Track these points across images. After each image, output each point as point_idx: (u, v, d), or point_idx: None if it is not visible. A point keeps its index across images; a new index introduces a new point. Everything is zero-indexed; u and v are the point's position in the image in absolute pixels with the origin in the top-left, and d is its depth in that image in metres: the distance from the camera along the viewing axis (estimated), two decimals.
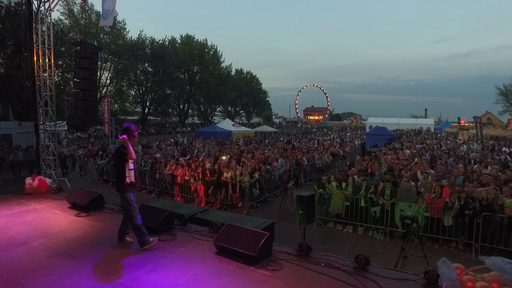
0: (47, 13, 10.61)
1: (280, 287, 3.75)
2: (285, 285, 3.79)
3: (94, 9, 36.21)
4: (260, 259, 4.30)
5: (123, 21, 40.19)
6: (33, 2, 10.34)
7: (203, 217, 6.33)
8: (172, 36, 49.32)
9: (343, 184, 8.65)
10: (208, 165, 11.33)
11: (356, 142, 24.80)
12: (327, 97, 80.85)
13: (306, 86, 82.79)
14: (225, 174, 10.59)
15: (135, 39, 42.52)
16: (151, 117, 49.81)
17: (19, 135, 22.59)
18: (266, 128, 38.43)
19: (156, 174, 12.11)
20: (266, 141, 25.19)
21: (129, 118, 45.68)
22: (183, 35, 50.36)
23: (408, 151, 15.91)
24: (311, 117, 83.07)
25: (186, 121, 53.09)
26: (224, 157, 12.14)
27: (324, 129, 48.17)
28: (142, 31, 49.34)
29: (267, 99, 67.79)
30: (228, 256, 4.49)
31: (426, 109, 76.62)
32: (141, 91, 45.15)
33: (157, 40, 45.41)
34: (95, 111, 11.64)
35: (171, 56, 45.19)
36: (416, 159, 12.72)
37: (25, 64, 29.25)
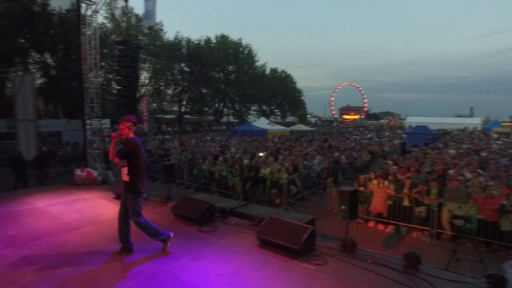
0: (94, 15, 11.13)
1: (326, 281, 3.64)
2: (330, 280, 3.67)
3: (133, 12, 37.69)
4: (303, 253, 4.20)
5: (161, 23, 41.49)
6: (81, 5, 10.90)
7: (242, 211, 6.32)
8: (207, 36, 50.31)
9: (385, 182, 8.32)
10: (245, 161, 11.38)
11: (394, 142, 23.86)
12: (363, 96, 78.71)
13: (342, 85, 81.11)
14: (262, 170, 10.57)
15: (172, 40, 43.76)
16: (188, 116, 51.03)
17: (68, 132, 24.01)
18: (302, 127, 38.06)
19: (194, 169, 12.36)
20: (303, 139, 24.91)
21: (166, 116, 47.15)
22: (218, 35, 51.18)
23: (453, 151, 15.03)
24: (347, 116, 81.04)
25: (221, 120, 53.88)
26: (261, 154, 12.14)
27: (361, 129, 46.86)
28: (178, 32, 50.52)
29: (302, 98, 67.23)
30: (270, 249, 4.44)
31: (472, 108, 72.06)
32: (178, 90, 46.41)
33: (193, 40, 46.48)
34: (136, 107, 12.08)
35: (207, 56, 46.06)
36: (463, 159, 11.99)
37: (73, 66, 30.91)
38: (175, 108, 48.46)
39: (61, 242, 4.77)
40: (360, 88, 79.66)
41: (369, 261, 4.11)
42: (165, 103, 45.96)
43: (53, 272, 3.82)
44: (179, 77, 45.89)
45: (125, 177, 4.28)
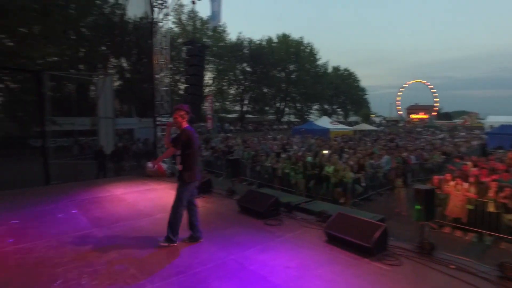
0: (165, 18, 11.83)
1: (401, 283, 3.37)
2: (406, 282, 3.39)
3: (198, 16, 39.51)
4: (375, 251, 3.95)
5: (224, 24, 42.81)
6: (154, 10, 11.66)
7: (307, 207, 6.20)
8: (268, 36, 50.69)
9: (464, 184, 7.52)
10: (309, 158, 11.19)
11: (472, 143, 21.61)
12: (434, 94, 72.87)
13: (410, 82, 76.02)
14: (326, 168, 10.30)
15: (234, 41, 44.93)
16: (249, 115, 51.98)
17: (140, 129, 26.03)
18: (366, 126, 36.48)
19: (256, 166, 12.50)
20: (367, 139, 23.83)
21: (229, 115, 48.56)
22: (279, 35, 51.28)
23: None
24: (415, 116, 75.65)
25: (282, 119, 53.95)
26: (325, 151, 11.85)
27: (431, 129, 43.38)
28: (241, 33, 51.77)
29: (365, 96, 64.40)
30: (338, 245, 4.27)
31: None
32: (240, 90, 47.53)
33: (254, 40, 47.20)
34: (201, 104, 12.63)
35: (268, 56, 46.47)
36: None
37: (145, 69, 33.24)
38: (237, 108, 49.70)
39: (137, 226, 5.12)
40: (431, 86, 73.94)
41: (452, 266, 3.72)
42: (227, 103, 47.39)
43: (131, 252, 4.09)
44: (241, 77, 47.01)
45: (179, 166, 4.38)
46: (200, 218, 5.40)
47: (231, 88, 47.38)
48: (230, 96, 47.61)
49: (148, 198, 6.84)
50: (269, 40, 49.75)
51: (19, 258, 3.92)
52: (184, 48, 37.15)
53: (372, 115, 68.40)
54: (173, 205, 4.31)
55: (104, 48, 32.40)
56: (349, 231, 4.22)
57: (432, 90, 73.36)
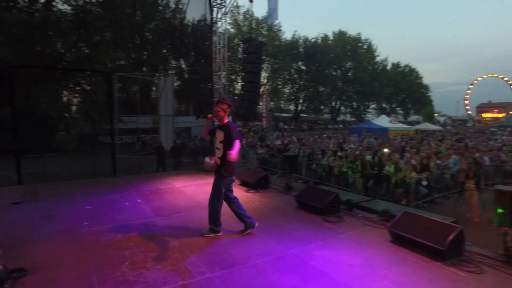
0: (223, 17, 12.09)
1: None
2: None
3: (253, 16, 39.94)
4: (449, 255, 3.58)
5: (279, 23, 42.73)
6: (213, 9, 11.97)
7: (368, 206, 5.89)
8: (324, 34, 49.55)
9: None
10: (368, 157, 10.69)
11: None
12: None
13: (481, 77, 69.18)
14: (387, 167, 9.75)
15: (289, 39, 44.66)
16: (304, 115, 51.38)
17: (197, 127, 27.07)
18: (429, 126, 34.01)
19: (312, 164, 12.24)
20: (430, 139, 22.17)
21: (283, 115, 48.47)
22: (335, 32, 49.89)
23: None
24: (487, 115, 68.59)
25: (337, 119, 52.50)
26: (386, 150, 11.23)
27: (508, 128, 39.03)
28: (296, 32, 51.41)
29: (429, 94, 59.85)
30: (405, 246, 3.95)
31: None
32: (294, 89, 47.16)
33: (310, 38, 46.48)
34: (258, 102, 12.71)
35: (324, 54, 45.46)
36: None
37: (202, 70, 34.44)
38: (292, 107, 49.42)
39: (196, 217, 5.25)
40: (509, 80, 66.26)
41: None
42: (282, 102, 47.30)
43: (191, 241, 4.19)
44: (295, 76, 46.60)
45: (217, 160, 4.43)
46: (258, 212, 5.44)
47: (285, 87, 47.23)
48: (285, 95, 47.45)
49: (206, 191, 6.90)
50: (325, 38, 48.64)
51: (93, 239, 4.22)
52: (240, 48, 38.05)
53: (435, 114, 63.53)
54: (210, 198, 4.41)
55: (164, 51, 34.27)
56: (418, 232, 3.88)
57: (510, 85, 65.71)
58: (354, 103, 52.79)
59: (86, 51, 23.59)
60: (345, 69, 49.42)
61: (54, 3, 22.89)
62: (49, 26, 21.08)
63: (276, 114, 45.07)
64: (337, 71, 49.31)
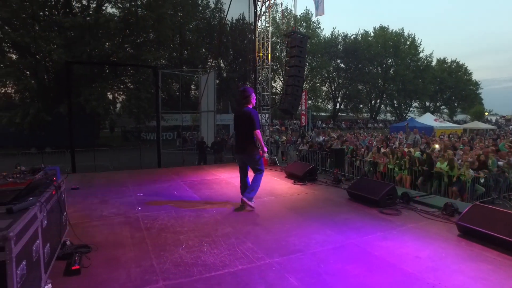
0: (266, 11, 12.02)
1: None
2: None
3: (292, 14, 39.50)
4: None
5: (318, 21, 42.03)
6: (257, 3, 11.94)
7: (424, 201, 5.51)
8: (364, 30, 48.03)
9: None
10: (416, 153, 10.13)
11: None
12: None
13: None
14: (438, 164, 9.18)
15: (328, 37, 43.82)
16: (342, 114, 50.19)
17: None
18: (479, 125, 31.81)
19: (356, 161, 11.83)
20: (483, 138, 20.69)
21: (321, 114, 47.66)
22: (376, 27, 48.17)
23: None
24: None
25: (377, 117, 50.69)
26: (437, 146, 10.59)
27: None
28: (335, 28, 50.32)
29: (479, 92, 55.81)
30: (476, 241, 3.61)
31: None
32: (333, 87, 46.21)
33: (349, 35, 45.28)
34: (301, 96, 12.46)
35: (364, 50, 44.09)
36: None
37: (239, 68, 34.82)
38: (329, 106, 48.45)
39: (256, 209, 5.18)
40: None
41: None
42: (320, 100, 46.55)
43: (245, 228, 4.12)
44: (334, 73, 45.64)
45: (245, 142, 5.00)
46: (309, 203, 5.30)
47: (323, 86, 46.41)
48: (323, 94, 46.62)
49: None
50: (365, 34, 47.14)
51: (147, 223, 4.27)
52: (278, 46, 37.91)
53: (486, 113, 59.29)
54: (256, 173, 5.11)
55: (203, 50, 34.97)
56: (492, 226, 3.53)
57: None
58: (395, 102, 50.63)
59: (131, 51, 24.61)
60: (386, 66, 47.57)
61: (103, 7, 24.22)
62: (99, 28, 22.25)
63: (314, 113, 44.40)
64: (377, 68, 47.61)
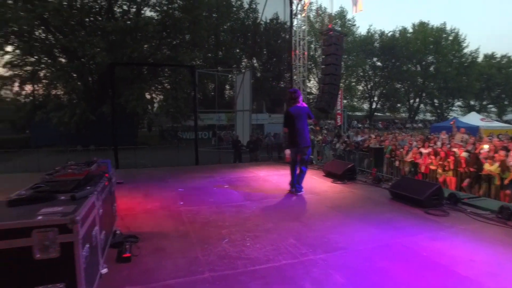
0: (302, 9, 11.95)
1: None
2: None
3: (326, 12, 38.87)
4: None
5: (353, 18, 41.08)
6: (293, 2, 11.90)
7: (473, 203, 5.20)
8: (402, 26, 46.19)
9: None
10: (463, 154, 9.59)
11: None
12: None
13: None
14: (487, 166, 8.63)
15: (364, 34, 42.66)
16: (378, 113, 48.64)
17: (269, 124, 27.38)
18: None
19: (395, 161, 11.41)
20: None
21: (356, 113, 46.53)
22: (415, 23, 46.13)
23: None
24: None
25: (416, 117, 48.56)
26: (486, 146, 9.95)
27: None
28: (371, 26, 48.86)
29: None
30: None
31: None
32: (369, 87, 44.95)
33: (386, 32, 43.81)
34: (338, 94, 12.27)
35: (402, 48, 42.46)
36: None
37: (274, 68, 34.82)
38: (365, 106, 47.17)
39: (285, 203, 5.21)
40: None
41: None
42: (355, 99, 45.44)
43: (286, 224, 4.11)
44: (370, 72, 44.37)
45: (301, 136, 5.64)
46: (350, 201, 5.22)
47: (359, 85, 45.26)
48: (358, 93, 45.44)
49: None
50: (403, 31, 45.33)
51: (190, 217, 4.38)
52: (312, 45, 37.46)
53: None
54: (302, 166, 5.71)
55: (237, 50, 35.33)
56: None
57: None
58: (435, 101, 48.17)
59: (168, 52, 25.41)
60: (426, 64, 45.40)
61: (142, 11, 25.24)
62: (138, 31, 23.21)
63: (349, 113, 43.41)
64: (416, 66, 45.63)
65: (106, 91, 22.88)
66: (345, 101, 42.24)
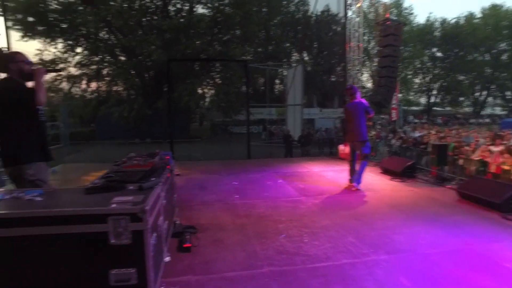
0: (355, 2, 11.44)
1: None
2: None
3: (380, 1, 36.91)
4: None
5: (410, 7, 38.56)
6: None
7: None
8: (468, 12, 42.30)
9: None
10: None
11: None
12: None
13: None
14: None
15: (422, 23, 39.88)
16: (437, 108, 45.30)
17: (320, 119, 26.89)
18: None
19: (459, 160, 10.54)
20: None
21: (412, 108, 43.85)
22: (485, 7, 41.91)
23: None
24: None
25: (482, 112, 44.38)
26: None
27: None
28: (431, 14, 45.49)
29: None
30: None
31: None
32: (427, 79, 42.06)
33: (448, 20, 40.47)
34: (395, 87, 11.60)
35: (467, 35, 38.92)
36: None
37: (324, 62, 34.00)
38: (422, 100, 44.15)
39: (343, 200, 5.06)
40: None
41: None
42: (411, 93, 42.80)
43: (343, 222, 3.96)
44: (429, 64, 41.43)
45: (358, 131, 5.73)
46: (411, 201, 4.95)
47: (416, 77, 42.48)
48: (415, 86, 42.67)
49: (346, 177, 6.64)
50: (470, 17, 41.48)
51: (246, 210, 4.42)
52: (365, 37, 35.87)
53: None
54: (362, 160, 5.69)
55: (288, 44, 34.97)
56: None
57: None
58: (507, 93, 43.49)
59: (219, 48, 25.92)
60: (497, 52, 41.08)
61: (195, 8, 25.99)
62: (191, 28, 23.97)
63: (404, 107, 41.01)
64: (484, 55, 41.61)
65: (161, 87, 23.99)
66: (400, 95, 39.99)
